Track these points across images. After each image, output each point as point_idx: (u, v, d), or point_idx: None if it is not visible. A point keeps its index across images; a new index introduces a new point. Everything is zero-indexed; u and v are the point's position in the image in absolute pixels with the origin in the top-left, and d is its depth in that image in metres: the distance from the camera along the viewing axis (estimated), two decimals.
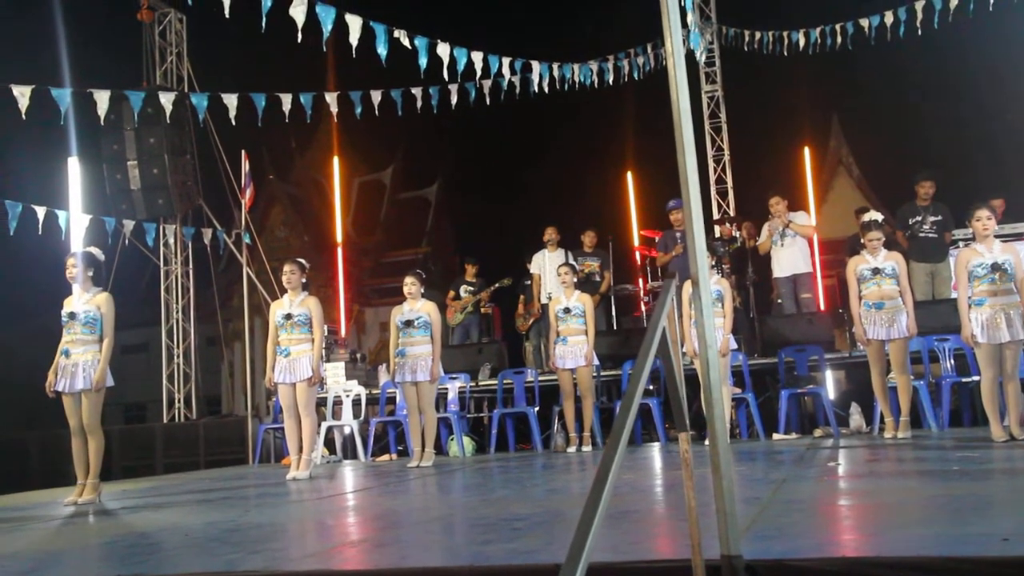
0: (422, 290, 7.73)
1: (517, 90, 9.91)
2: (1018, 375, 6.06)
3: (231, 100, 8.60)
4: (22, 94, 7.75)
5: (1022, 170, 13.92)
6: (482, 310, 11.01)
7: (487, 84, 9.52)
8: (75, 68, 11.70)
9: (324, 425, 9.18)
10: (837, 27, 10.99)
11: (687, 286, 7.19)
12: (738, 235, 10.51)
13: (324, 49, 6.84)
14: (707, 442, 7.01)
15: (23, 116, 7.77)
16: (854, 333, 7.11)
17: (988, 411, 6.00)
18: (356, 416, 9.48)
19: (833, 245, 12.17)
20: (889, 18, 10.13)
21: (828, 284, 11.69)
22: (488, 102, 9.68)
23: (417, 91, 9.24)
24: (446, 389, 9.11)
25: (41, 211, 9.25)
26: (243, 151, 11.23)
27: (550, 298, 9.20)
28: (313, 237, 23.89)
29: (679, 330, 7.30)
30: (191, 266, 13.90)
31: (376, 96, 9.12)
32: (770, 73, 16.30)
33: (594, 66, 11.12)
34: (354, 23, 7.13)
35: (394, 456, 9.26)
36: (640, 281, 11.60)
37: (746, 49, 13.12)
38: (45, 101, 7.88)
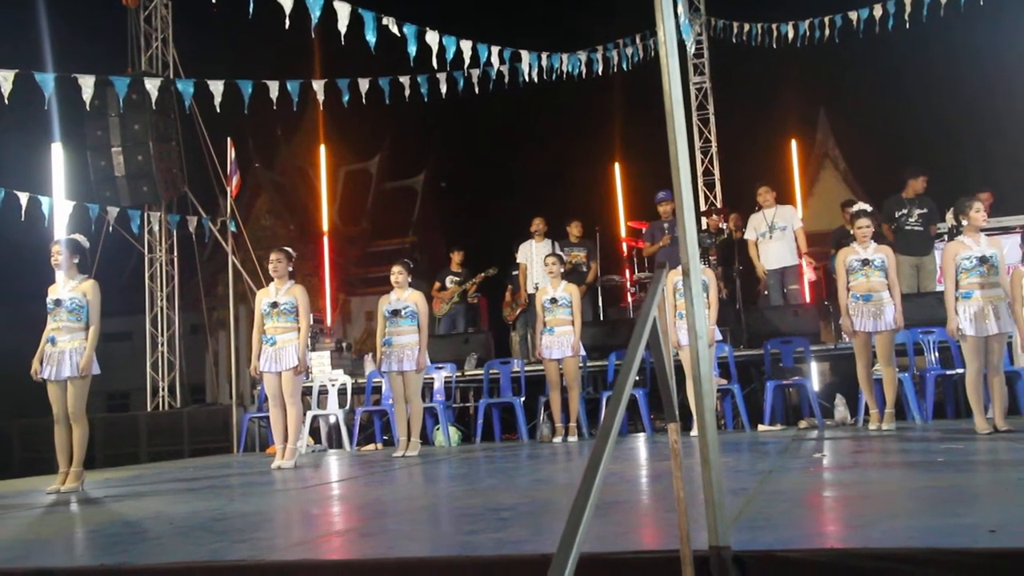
0: (410, 279, 7.71)
1: (506, 80, 9.87)
2: (1003, 368, 6.11)
3: (217, 87, 8.52)
4: (5, 78, 7.65)
5: (1008, 165, 14.00)
6: (469, 300, 10.99)
7: (476, 73, 9.47)
8: (59, 53, 11.58)
9: (309, 414, 9.15)
10: (826, 20, 10.99)
11: (671, 277, 7.20)
12: (725, 227, 10.54)
13: (313, 35, 6.79)
14: (692, 433, 7.00)
15: (6, 101, 7.69)
16: (841, 324, 7.14)
17: (973, 403, 6.03)
18: (341, 405, 9.45)
19: (818, 238, 12.20)
20: (878, 11, 10.14)
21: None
22: (477, 91, 9.63)
23: (405, 79, 9.18)
24: (432, 379, 9.09)
25: (24, 197, 9.16)
26: (229, 139, 11.15)
27: (537, 288, 9.19)
28: (299, 226, 23.76)
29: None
30: (176, 254, 13.79)
31: (364, 84, 9.06)
32: (758, 65, 16.34)
33: (583, 56, 11.10)
34: (342, 10, 7.06)
35: (379, 445, 9.23)
36: (627, 272, 11.60)
37: (734, 41, 13.12)
38: (29, 86, 7.79)
